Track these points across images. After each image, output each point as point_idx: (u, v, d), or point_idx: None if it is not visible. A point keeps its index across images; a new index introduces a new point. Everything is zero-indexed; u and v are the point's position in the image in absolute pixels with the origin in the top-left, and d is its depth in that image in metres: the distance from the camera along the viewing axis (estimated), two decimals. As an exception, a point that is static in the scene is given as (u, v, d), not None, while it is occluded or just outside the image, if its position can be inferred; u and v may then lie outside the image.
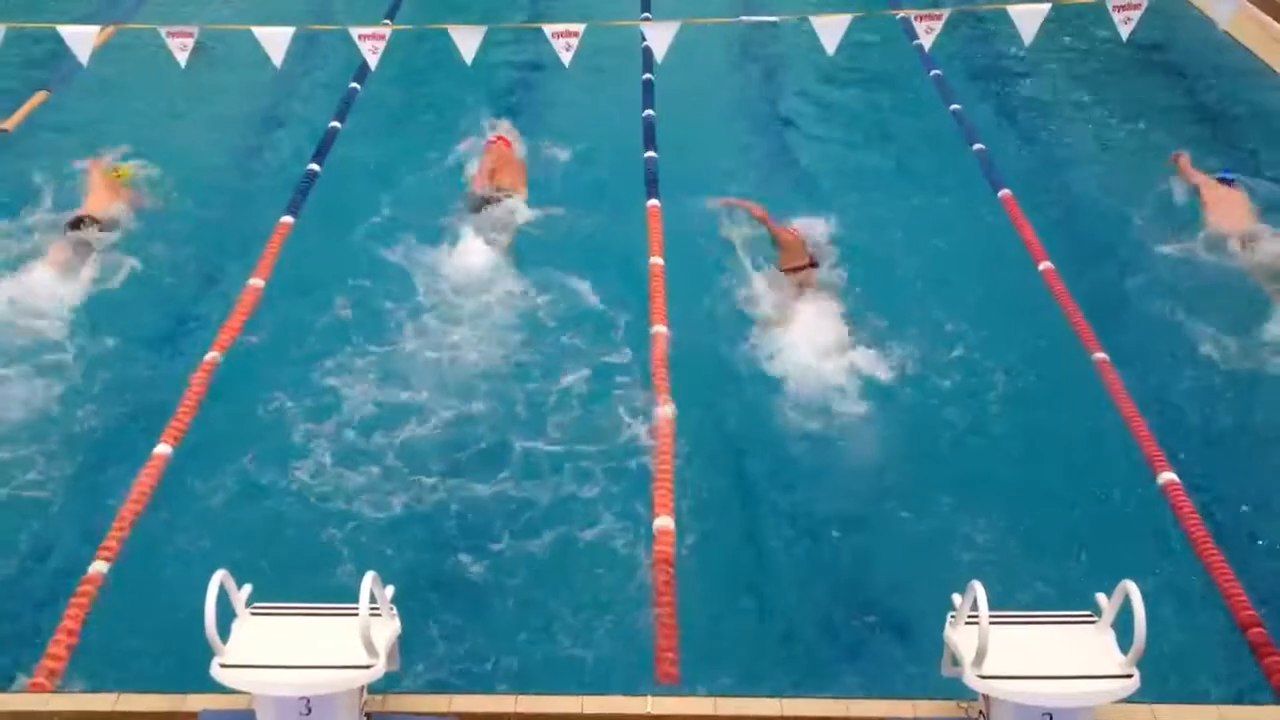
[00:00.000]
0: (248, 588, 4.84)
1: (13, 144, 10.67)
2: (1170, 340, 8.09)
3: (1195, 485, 6.66)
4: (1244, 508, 6.75)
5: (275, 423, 7.33)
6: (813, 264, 8.71)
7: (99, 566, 5.98)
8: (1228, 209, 9.37)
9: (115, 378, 7.71)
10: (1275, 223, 9.17)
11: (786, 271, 8.68)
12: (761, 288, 8.49)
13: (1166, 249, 9.02)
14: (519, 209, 9.42)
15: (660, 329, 7.91)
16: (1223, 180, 9.87)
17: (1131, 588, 4.49)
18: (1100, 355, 7.58)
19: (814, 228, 9.17)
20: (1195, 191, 9.74)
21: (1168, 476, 6.61)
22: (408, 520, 6.67)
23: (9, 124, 10.84)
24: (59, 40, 9.56)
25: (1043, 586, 6.08)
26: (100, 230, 8.98)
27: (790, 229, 9.18)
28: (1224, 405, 7.50)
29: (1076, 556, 6.38)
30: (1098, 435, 7.22)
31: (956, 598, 4.79)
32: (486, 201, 9.39)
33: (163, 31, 9.65)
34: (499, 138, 10.46)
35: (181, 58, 9.61)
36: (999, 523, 6.55)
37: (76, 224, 8.95)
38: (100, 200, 9.39)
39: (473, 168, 10.14)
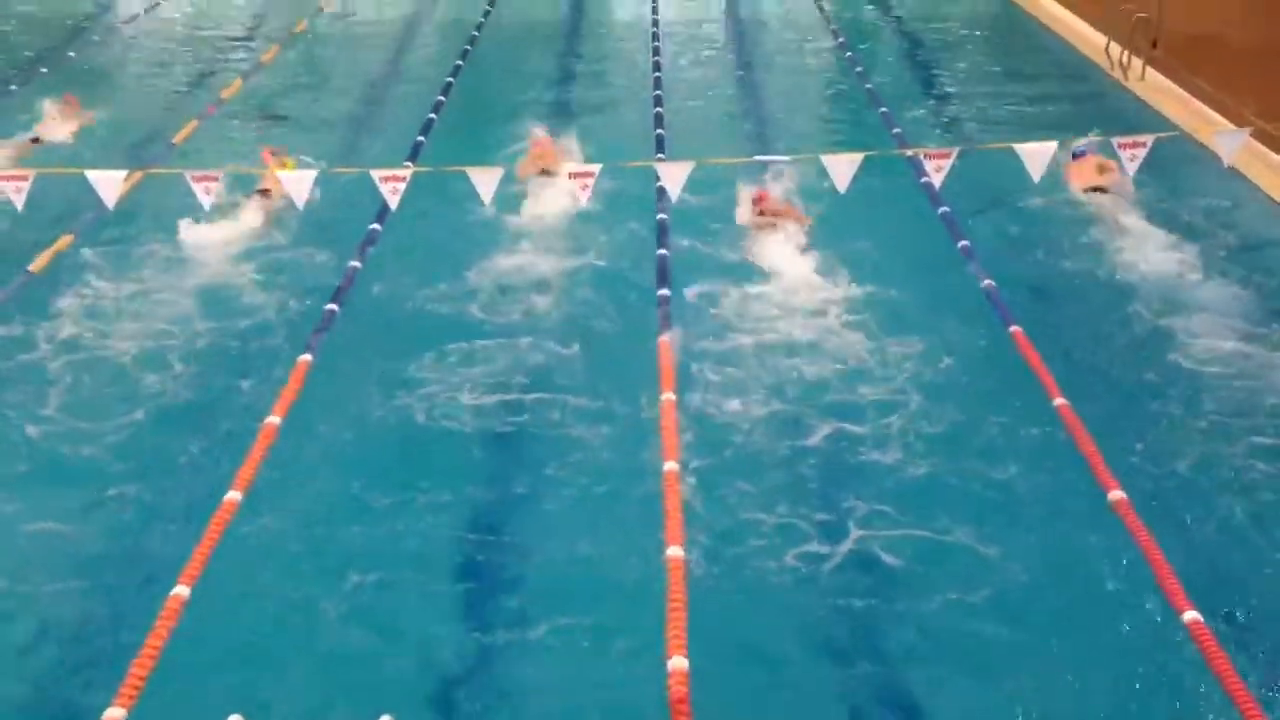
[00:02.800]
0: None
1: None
2: (1192, 471, 8.12)
3: (1218, 618, 6.60)
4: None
5: (284, 555, 7.36)
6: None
7: (115, 713, 5.89)
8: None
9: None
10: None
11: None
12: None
13: (1181, 384, 9.09)
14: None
15: (671, 466, 7.91)
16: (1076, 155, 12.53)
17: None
18: (1117, 493, 7.53)
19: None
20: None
21: (1191, 615, 6.52)
22: (422, 659, 6.63)
23: (35, 266, 11.02)
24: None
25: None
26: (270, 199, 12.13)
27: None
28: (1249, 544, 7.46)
29: (1103, 697, 6.29)
30: (1118, 571, 7.15)
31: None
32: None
33: (187, 176, 9.90)
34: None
35: (206, 201, 9.86)
36: (1018, 663, 6.48)
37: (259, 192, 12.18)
38: (270, 179, 12.07)
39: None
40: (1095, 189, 12.32)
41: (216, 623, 6.77)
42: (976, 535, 7.49)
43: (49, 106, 15.27)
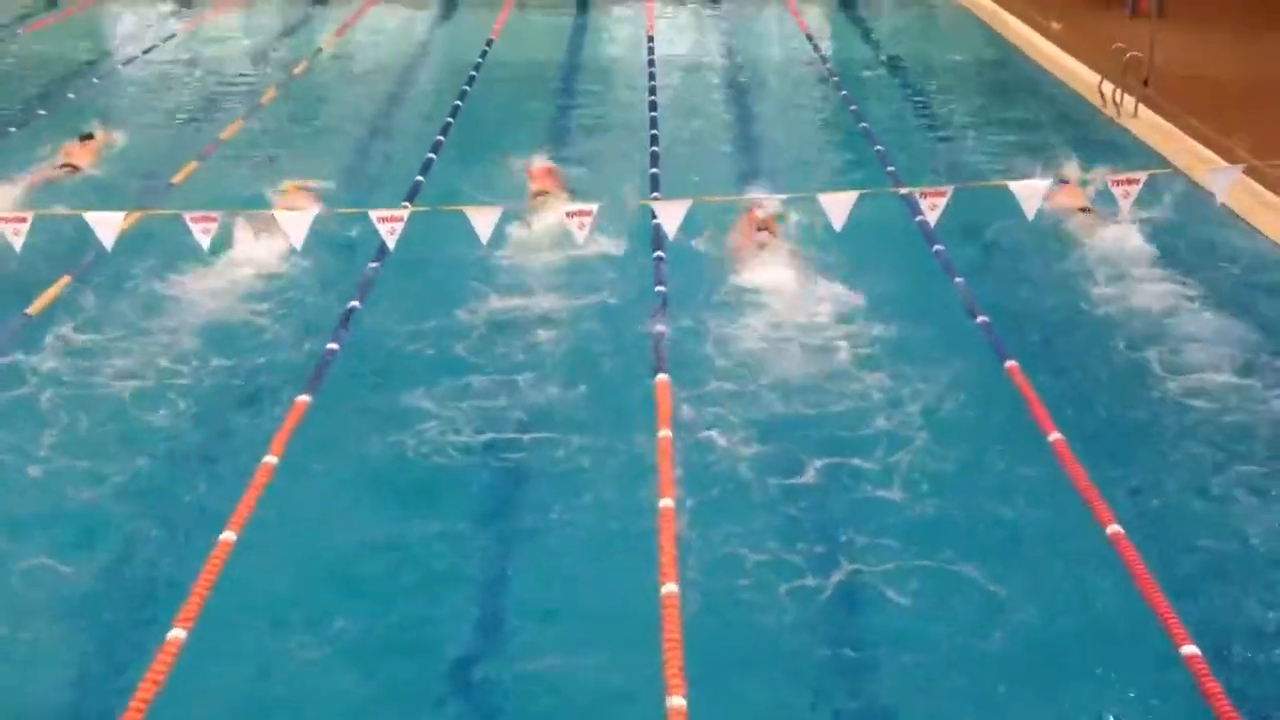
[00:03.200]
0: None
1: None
2: (1187, 503, 8.16)
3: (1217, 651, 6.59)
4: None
5: (281, 594, 7.35)
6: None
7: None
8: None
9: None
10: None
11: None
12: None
13: (1175, 417, 9.11)
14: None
15: (667, 502, 7.90)
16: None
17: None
18: (1115, 528, 7.54)
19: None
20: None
21: (1190, 649, 6.50)
22: (417, 696, 6.61)
23: (33, 309, 11.04)
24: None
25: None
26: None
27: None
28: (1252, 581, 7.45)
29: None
30: (1114, 604, 7.14)
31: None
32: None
33: (186, 217, 9.95)
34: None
35: (204, 241, 9.91)
36: (1019, 696, 6.46)
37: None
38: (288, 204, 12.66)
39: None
40: (1081, 209, 12.76)
41: (212, 665, 6.74)
42: (976, 569, 7.46)
43: (83, 135, 15.77)
